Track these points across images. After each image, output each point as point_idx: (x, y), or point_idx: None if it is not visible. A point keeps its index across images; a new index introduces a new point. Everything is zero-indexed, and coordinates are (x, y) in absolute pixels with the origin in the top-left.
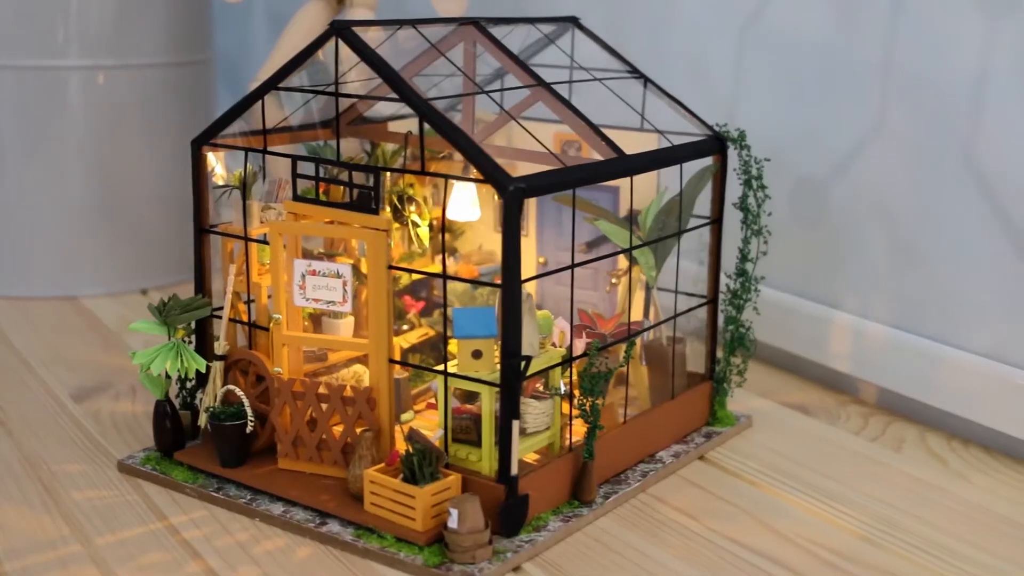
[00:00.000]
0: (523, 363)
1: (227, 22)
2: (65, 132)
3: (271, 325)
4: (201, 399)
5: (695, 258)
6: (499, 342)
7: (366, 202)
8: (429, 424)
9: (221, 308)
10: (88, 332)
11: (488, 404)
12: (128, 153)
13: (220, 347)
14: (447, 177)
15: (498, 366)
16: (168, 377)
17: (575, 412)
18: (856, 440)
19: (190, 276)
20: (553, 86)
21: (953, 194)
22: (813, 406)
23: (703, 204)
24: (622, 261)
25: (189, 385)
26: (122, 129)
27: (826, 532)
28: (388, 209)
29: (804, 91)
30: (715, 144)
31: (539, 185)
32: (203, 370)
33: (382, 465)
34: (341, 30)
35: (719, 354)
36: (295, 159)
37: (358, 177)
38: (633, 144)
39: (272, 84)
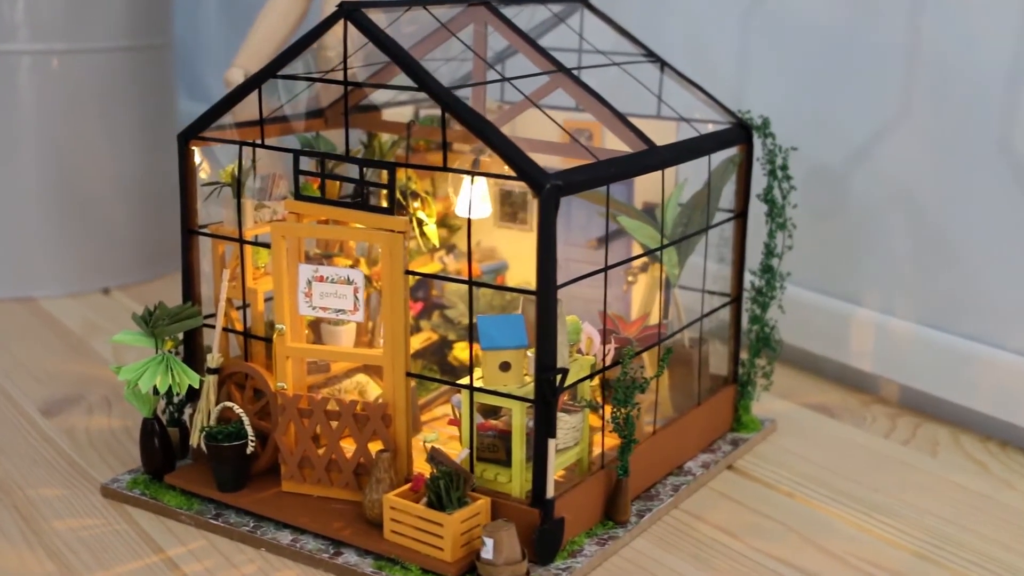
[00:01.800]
0: (559, 377)
1: (177, 4)
2: (17, 121)
3: (274, 336)
4: (191, 416)
5: (713, 255)
6: (530, 353)
7: (374, 201)
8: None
9: (211, 316)
10: (51, 337)
11: (519, 420)
12: (85, 143)
13: (213, 359)
14: (472, 174)
15: (527, 378)
16: (156, 393)
17: (608, 425)
18: (887, 444)
19: (155, 274)
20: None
21: (985, 182)
22: (836, 407)
23: (725, 197)
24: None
25: (176, 400)
26: (78, 117)
27: (878, 550)
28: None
29: (816, 76)
30: (740, 133)
31: (576, 182)
32: (196, 385)
33: (403, 489)
34: (351, 12)
35: (743, 356)
36: (297, 154)
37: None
38: (650, 133)
39: (270, 72)
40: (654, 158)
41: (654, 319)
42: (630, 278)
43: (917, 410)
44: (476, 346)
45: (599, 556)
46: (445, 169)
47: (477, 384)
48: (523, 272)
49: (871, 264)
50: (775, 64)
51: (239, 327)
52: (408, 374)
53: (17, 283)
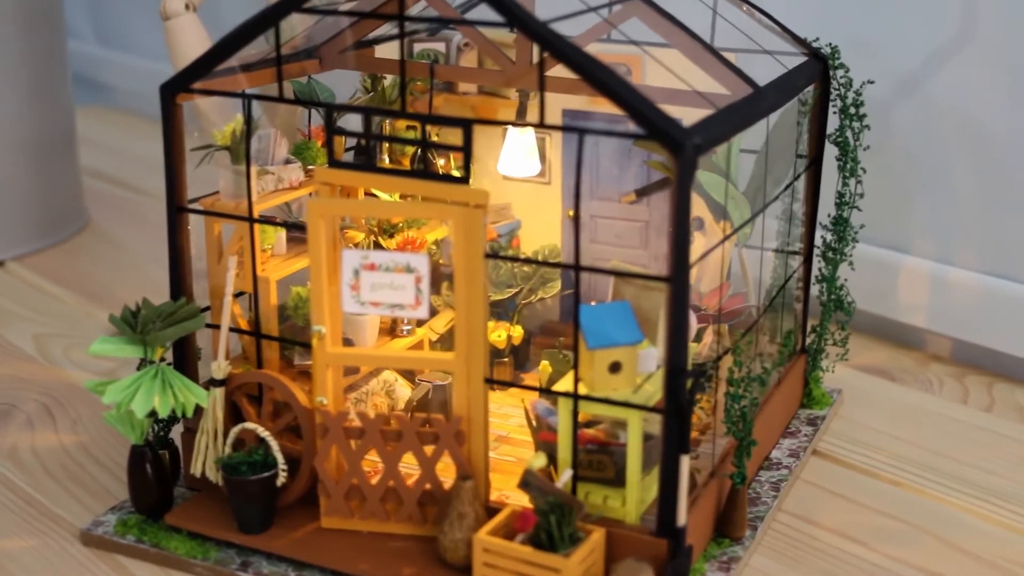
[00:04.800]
0: (692, 380)
1: None
2: None
3: (313, 341)
4: (183, 434)
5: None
6: (641, 349)
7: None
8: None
9: (204, 311)
10: None
11: (637, 433)
12: None
13: (220, 368)
14: (581, 131)
15: (638, 379)
16: (151, 416)
17: (718, 425)
18: (968, 411)
19: (54, 240)
20: None
21: None
22: (892, 369)
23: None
24: None
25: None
26: None
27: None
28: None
29: None
30: (816, 66)
31: (713, 136)
32: (204, 403)
33: (495, 524)
34: None
35: (812, 322)
36: (331, 108)
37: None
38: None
39: (293, 4)
40: (764, 102)
41: (715, 284)
42: None
43: (977, 367)
44: (507, 326)
45: None
46: (542, 126)
47: (561, 386)
48: (542, 233)
49: (923, 208)
50: None
51: (242, 324)
52: (487, 380)
53: None
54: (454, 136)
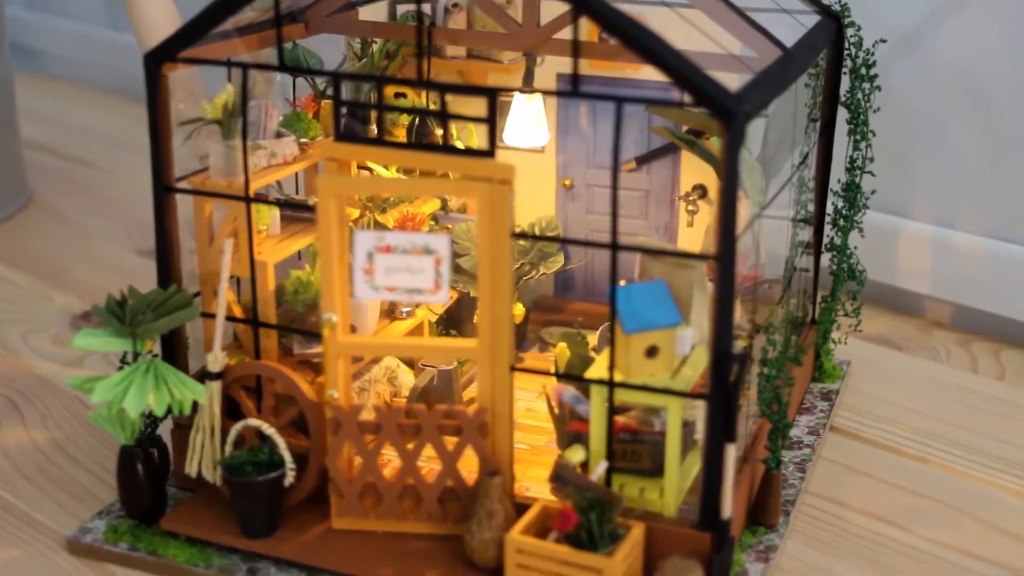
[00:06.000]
0: (738, 366)
1: None
2: None
3: (324, 331)
4: (173, 431)
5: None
6: (681, 331)
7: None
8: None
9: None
10: None
11: (677, 421)
12: None
13: (216, 360)
14: (618, 100)
15: (675, 363)
16: (148, 416)
17: (749, 407)
18: (981, 381)
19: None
20: None
21: None
22: (896, 337)
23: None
24: (685, 182)
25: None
26: None
27: None
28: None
29: None
30: (830, 25)
31: (758, 103)
32: (201, 399)
33: (526, 521)
34: None
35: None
36: (339, 77)
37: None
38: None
39: None
40: (795, 65)
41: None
42: (689, 207)
43: (982, 333)
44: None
45: (768, 574)
46: (575, 95)
47: (594, 372)
48: (536, 204)
49: (923, 171)
50: None
51: (236, 311)
52: (513, 368)
53: None
54: (453, 103)
